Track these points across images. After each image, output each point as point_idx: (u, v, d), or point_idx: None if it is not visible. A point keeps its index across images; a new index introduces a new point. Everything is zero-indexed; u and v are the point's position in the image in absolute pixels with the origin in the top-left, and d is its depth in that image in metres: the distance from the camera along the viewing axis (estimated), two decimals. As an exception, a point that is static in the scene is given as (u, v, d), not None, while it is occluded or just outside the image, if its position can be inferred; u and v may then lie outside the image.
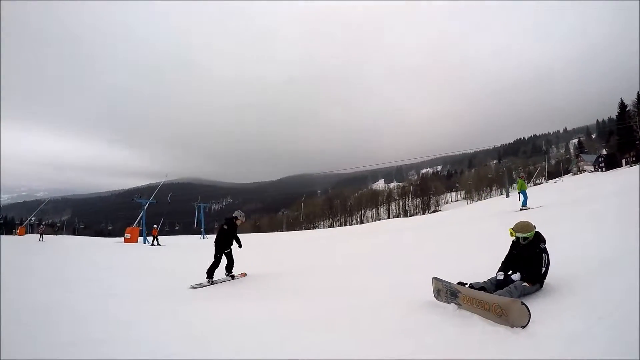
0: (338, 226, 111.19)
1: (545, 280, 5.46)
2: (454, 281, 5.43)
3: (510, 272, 5.50)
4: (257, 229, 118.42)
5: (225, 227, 10.46)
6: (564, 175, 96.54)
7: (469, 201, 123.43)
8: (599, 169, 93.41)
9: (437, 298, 5.63)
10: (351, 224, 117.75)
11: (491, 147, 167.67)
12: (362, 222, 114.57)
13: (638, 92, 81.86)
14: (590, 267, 5.77)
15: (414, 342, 4.35)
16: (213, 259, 10.21)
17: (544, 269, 5.36)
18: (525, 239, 5.69)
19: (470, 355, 3.85)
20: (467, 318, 4.78)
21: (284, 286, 9.11)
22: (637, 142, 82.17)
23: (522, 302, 4.33)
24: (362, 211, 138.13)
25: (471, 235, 14.91)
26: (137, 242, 33.36)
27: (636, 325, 3.68)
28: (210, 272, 10.02)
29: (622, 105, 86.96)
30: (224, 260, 10.40)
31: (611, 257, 5.95)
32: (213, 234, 69.81)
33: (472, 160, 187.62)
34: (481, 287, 5.23)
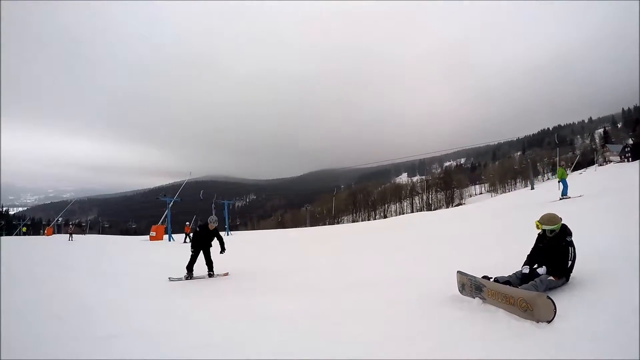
0: (362, 221, 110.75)
1: (571, 274, 5.37)
2: (479, 275, 5.40)
3: (535, 266, 5.43)
4: (281, 224, 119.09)
5: (198, 229, 11.13)
6: (589, 166, 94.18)
7: (493, 194, 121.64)
8: (626, 159, 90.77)
9: (461, 292, 5.61)
10: (375, 219, 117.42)
11: (515, 139, 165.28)
12: (385, 217, 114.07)
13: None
14: (620, 262, 5.64)
15: (438, 337, 4.36)
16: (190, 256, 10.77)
17: (570, 262, 5.25)
18: (551, 231, 5.56)
19: (496, 350, 3.82)
20: (492, 312, 4.76)
21: (313, 282, 9.19)
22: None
23: (547, 296, 4.28)
24: (386, 205, 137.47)
25: (496, 228, 14.77)
26: (162, 239, 33.93)
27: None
28: (189, 268, 10.59)
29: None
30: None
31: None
32: (237, 230, 70.74)
33: (495, 152, 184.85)
34: (506, 281, 5.18)
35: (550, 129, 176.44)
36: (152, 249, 21.59)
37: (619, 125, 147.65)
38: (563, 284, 5.28)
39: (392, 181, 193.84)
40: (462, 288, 5.59)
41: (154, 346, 4.87)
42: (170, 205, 37.95)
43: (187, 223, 33.38)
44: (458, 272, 5.71)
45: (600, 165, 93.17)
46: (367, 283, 7.99)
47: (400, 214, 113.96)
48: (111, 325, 5.85)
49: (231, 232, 44.18)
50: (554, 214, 5.63)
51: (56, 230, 64.21)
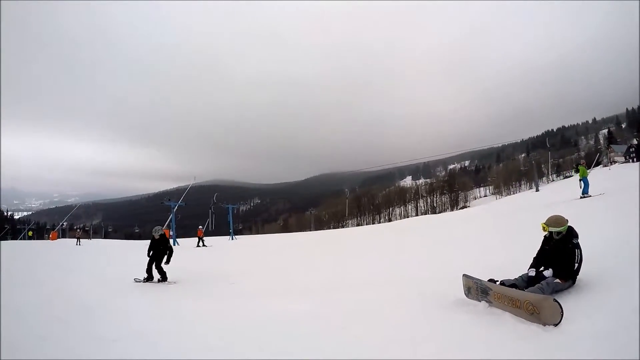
0: (366, 224, 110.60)
1: (577, 277, 5.34)
2: (485, 278, 5.40)
3: (542, 268, 5.40)
4: (285, 228, 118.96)
5: (150, 240, 11.50)
6: (594, 166, 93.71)
7: (497, 196, 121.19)
8: (630, 160, 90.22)
9: (467, 295, 5.61)
10: (379, 222, 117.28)
11: (519, 140, 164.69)
12: (390, 220, 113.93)
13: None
14: (628, 263, 5.54)
15: (444, 340, 4.35)
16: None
17: (576, 265, 5.23)
18: (558, 233, 5.53)
19: (501, 353, 3.81)
20: (499, 316, 4.76)
21: (316, 283, 9.18)
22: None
23: (554, 299, 4.28)
24: (390, 209, 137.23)
25: (501, 230, 14.74)
26: (167, 243, 33.80)
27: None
28: (147, 272, 11.07)
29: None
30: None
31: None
32: (242, 234, 71.02)
33: (500, 154, 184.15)
34: (512, 284, 5.17)
35: (554, 130, 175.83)
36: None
37: (624, 126, 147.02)
38: (569, 286, 5.26)
39: (397, 184, 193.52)
40: (468, 291, 5.58)
41: (154, 347, 4.93)
42: (174, 210, 38.06)
43: (200, 227, 33.53)
44: (464, 275, 5.71)
45: (605, 165, 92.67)
46: (370, 285, 8.02)
47: (404, 217, 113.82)
48: (113, 328, 5.90)
49: (235, 236, 44.13)
50: (560, 216, 5.59)
51: (60, 235, 64.37)
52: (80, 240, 38.37)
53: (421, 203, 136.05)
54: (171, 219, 37.54)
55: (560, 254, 5.36)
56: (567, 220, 5.55)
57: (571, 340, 3.83)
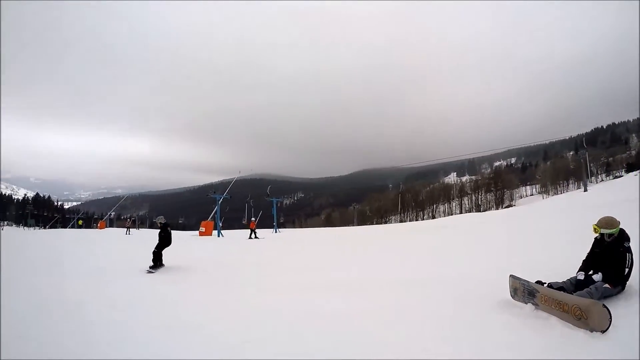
0: (409, 221, 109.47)
1: (627, 282, 5.23)
2: (532, 280, 5.34)
3: (591, 272, 5.29)
4: (328, 223, 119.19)
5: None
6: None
7: (544, 195, 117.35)
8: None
9: (513, 297, 5.57)
10: (422, 219, 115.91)
11: (567, 137, 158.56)
12: (433, 217, 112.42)
13: None
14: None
15: (488, 342, 4.35)
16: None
17: (627, 269, 5.11)
18: (609, 235, 5.38)
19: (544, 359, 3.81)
20: (545, 319, 4.73)
21: (354, 280, 9.23)
22: None
23: (603, 304, 4.22)
24: (434, 206, 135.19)
25: (547, 230, 14.41)
26: (211, 235, 34.76)
27: None
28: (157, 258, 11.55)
29: None
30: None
31: None
32: (285, 227, 71.70)
33: (547, 151, 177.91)
34: (560, 287, 5.11)
35: (604, 127, 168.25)
36: (201, 243, 22.29)
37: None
38: (619, 292, 5.16)
39: (441, 181, 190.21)
40: (515, 292, 5.54)
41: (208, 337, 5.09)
42: (220, 202, 38.78)
43: (253, 219, 34.29)
44: (511, 276, 5.66)
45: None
46: (413, 283, 7.94)
47: (448, 214, 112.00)
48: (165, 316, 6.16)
49: (279, 229, 44.66)
50: (613, 217, 5.45)
51: (108, 224, 67.14)
52: (130, 229, 40.13)
53: (465, 201, 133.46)
54: (216, 211, 38.32)
55: (610, 257, 5.24)
56: (619, 222, 5.41)
57: (618, 348, 3.79)
